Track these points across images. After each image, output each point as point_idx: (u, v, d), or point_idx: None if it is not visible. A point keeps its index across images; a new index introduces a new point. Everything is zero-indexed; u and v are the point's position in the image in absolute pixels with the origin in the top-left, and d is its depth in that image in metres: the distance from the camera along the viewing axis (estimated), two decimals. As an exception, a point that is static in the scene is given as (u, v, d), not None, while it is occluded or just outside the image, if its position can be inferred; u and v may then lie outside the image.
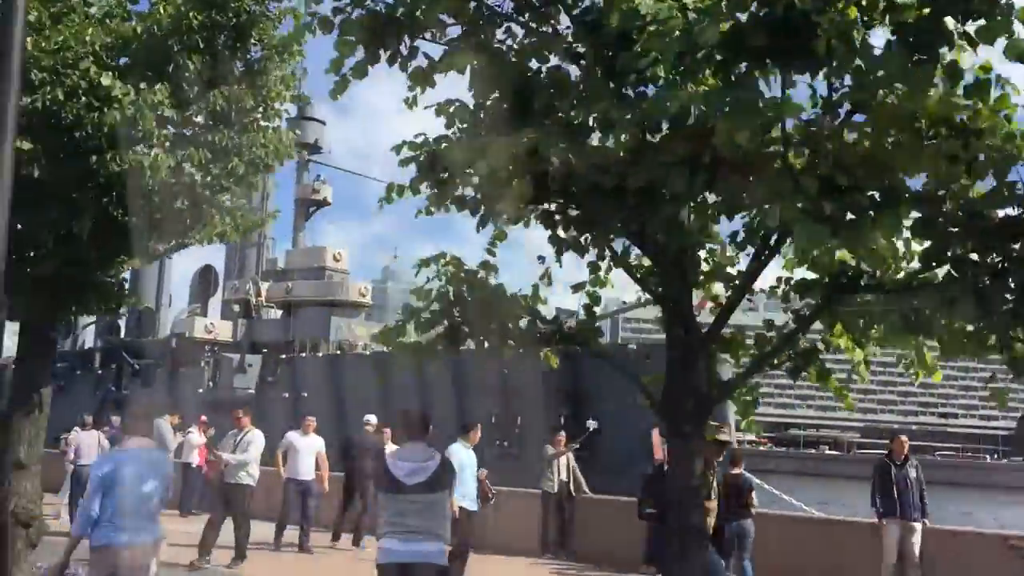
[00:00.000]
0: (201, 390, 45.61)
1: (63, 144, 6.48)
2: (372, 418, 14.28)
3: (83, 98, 6.24)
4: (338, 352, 44.63)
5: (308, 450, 13.28)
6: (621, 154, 4.91)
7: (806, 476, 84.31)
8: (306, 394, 41.88)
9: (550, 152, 4.77)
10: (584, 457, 35.48)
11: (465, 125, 5.52)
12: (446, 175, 5.54)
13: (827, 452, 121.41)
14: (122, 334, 56.32)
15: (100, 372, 51.23)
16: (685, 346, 5.69)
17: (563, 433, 15.91)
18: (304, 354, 44.22)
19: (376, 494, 6.80)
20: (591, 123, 4.92)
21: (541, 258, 6.37)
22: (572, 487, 14.09)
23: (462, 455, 9.78)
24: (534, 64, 5.33)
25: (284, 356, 44.36)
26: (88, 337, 59.34)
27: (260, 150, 6.89)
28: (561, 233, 5.95)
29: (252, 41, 7.00)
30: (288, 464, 13.07)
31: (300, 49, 7.03)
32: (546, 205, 5.71)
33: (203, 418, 16.64)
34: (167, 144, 6.38)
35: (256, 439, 11.87)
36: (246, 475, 11.63)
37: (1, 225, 4.31)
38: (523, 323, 6.29)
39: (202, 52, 6.51)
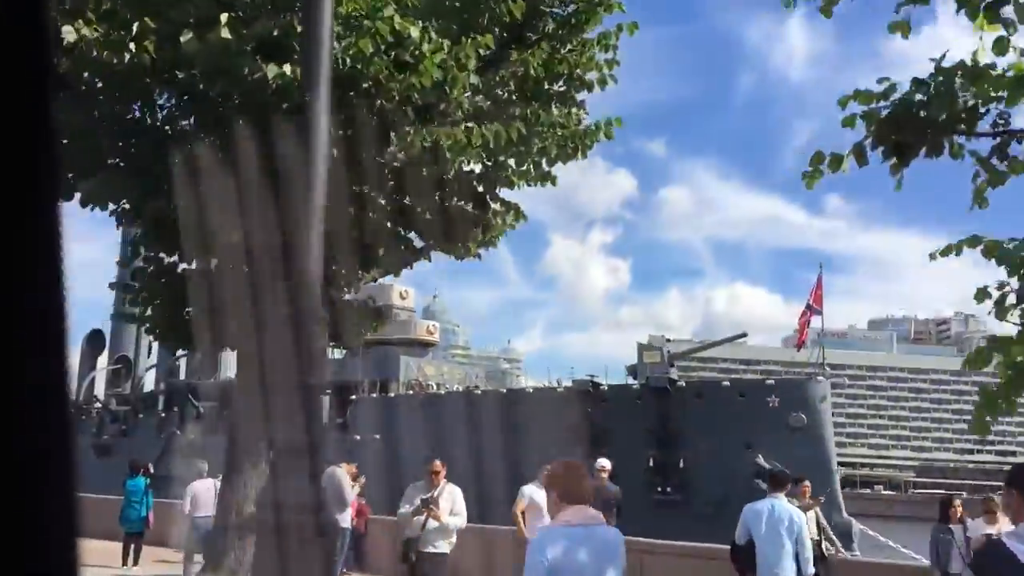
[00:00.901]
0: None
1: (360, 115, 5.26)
2: (606, 463, 12.25)
3: (387, 55, 5.01)
4: (410, 392, 43.37)
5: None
6: None
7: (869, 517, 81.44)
8: (378, 436, 40.63)
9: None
10: (676, 500, 33.55)
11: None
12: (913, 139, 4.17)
13: (883, 492, 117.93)
14: (182, 375, 55.51)
15: (163, 415, 50.28)
16: None
17: (808, 483, 12.08)
18: (375, 395, 42.95)
19: None
20: None
21: None
22: (824, 547, 11.69)
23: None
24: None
25: (354, 397, 43.12)
26: (149, 379, 58.64)
27: (566, 131, 5.59)
28: None
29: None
30: (529, 524, 10.29)
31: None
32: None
33: (353, 466, 15.20)
34: (468, 120, 5.13)
35: (459, 496, 9.55)
36: (445, 543, 9.33)
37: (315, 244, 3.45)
38: None
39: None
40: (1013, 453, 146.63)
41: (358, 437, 41.39)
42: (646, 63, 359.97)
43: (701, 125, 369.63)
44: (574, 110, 5.83)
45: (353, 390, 43.88)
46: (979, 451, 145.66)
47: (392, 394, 42.71)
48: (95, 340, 61.88)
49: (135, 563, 15.18)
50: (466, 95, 5.00)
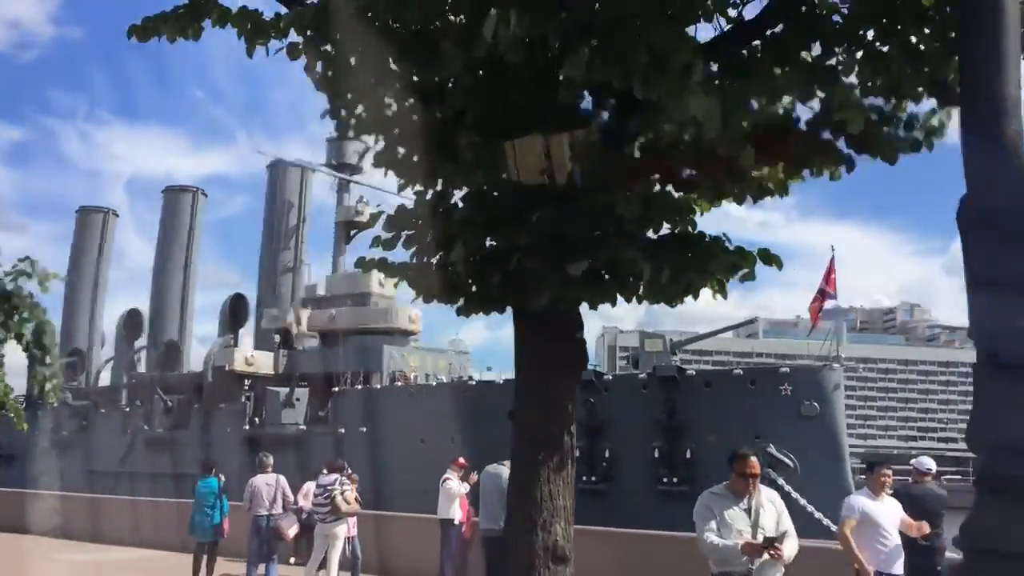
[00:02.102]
0: (246, 427, 42.30)
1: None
2: (930, 464, 9.80)
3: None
4: (398, 383, 41.58)
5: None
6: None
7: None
8: (364, 429, 38.83)
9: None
10: (683, 491, 32.41)
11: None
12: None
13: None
14: (139, 369, 52.80)
15: (127, 410, 47.63)
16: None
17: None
18: (359, 386, 41.04)
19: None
20: None
21: None
22: None
23: None
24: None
25: (336, 389, 41.18)
26: (105, 374, 55.69)
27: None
28: None
29: None
30: (864, 545, 7.83)
31: None
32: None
33: (461, 460, 13.58)
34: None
35: (782, 505, 7.44)
36: None
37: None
38: None
39: None
40: (956, 439, 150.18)
41: (342, 430, 39.53)
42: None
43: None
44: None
45: (335, 381, 41.93)
46: (921, 438, 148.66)
47: (378, 385, 40.83)
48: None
49: None
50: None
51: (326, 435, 39.57)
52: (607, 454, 34.49)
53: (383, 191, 50.88)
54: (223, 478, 13.78)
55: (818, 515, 28.56)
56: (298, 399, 41.44)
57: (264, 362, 44.63)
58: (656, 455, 33.33)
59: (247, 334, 50.18)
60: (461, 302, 5.28)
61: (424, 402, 37.56)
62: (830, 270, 33.51)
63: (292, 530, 12.82)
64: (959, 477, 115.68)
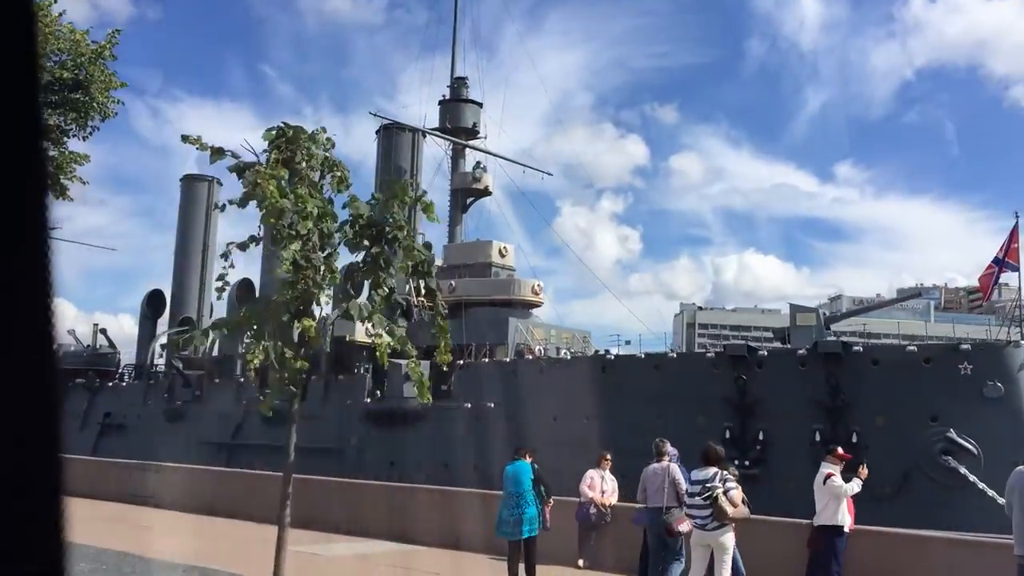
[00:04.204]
0: (368, 400, 41.00)
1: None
2: None
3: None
4: (517, 357, 39.80)
5: None
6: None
7: None
8: (492, 404, 37.12)
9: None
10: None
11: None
12: None
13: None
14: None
15: (241, 380, 46.78)
16: None
17: None
18: (486, 360, 39.32)
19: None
20: None
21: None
22: None
23: None
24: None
25: (460, 362, 39.51)
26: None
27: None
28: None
29: None
30: None
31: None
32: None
33: (840, 451, 11.47)
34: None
35: None
36: None
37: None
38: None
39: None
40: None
41: (468, 405, 37.91)
42: (661, 29, 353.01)
43: (711, 92, 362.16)
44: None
45: (458, 354, 40.27)
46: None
47: (506, 359, 39.02)
48: (155, 301, 58.41)
49: None
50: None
51: (452, 410, 38.03)
52: (760, 436, 32.05)
53: (499, 156, 49.10)
54: (534, 462, 11.85)
55: (991, 493, 25.95)
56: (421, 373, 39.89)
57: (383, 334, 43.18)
58: (817, 438, 30.73)
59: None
60: None
61: (557, 377, 35.68)
62: (1012, 238, 30.48)
63: (683, 526, 10.61)
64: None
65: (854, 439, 30.61)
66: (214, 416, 45.91)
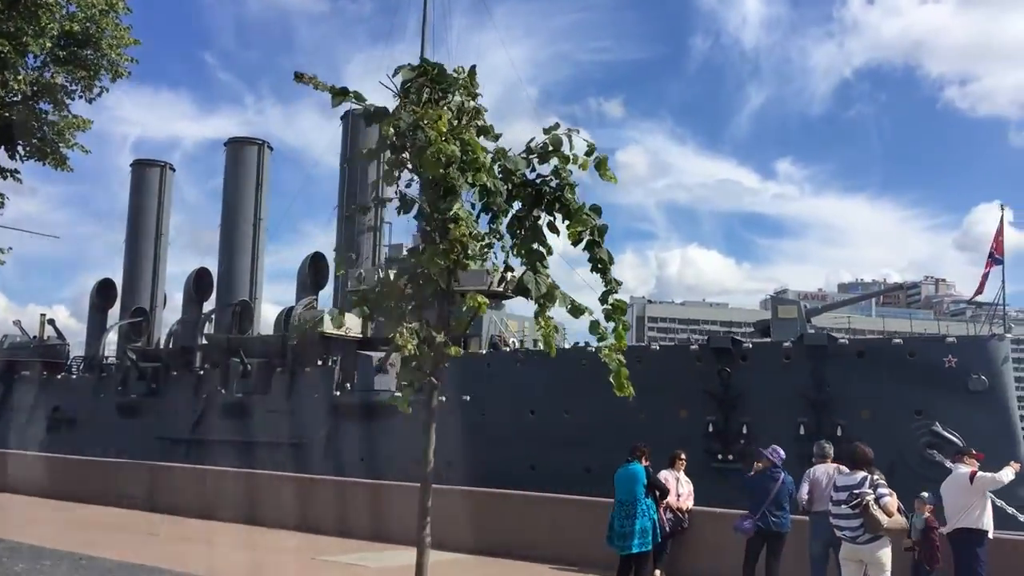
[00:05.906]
0: (336, 393, 39.73)
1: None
2: None
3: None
4: (492, 349, 38.95)
5: None
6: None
7: None
8: (468, 398, 36.12)
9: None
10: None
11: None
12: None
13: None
14: (206, 331, 50.00)
15: (200, 373, 45.07)
16: None
17: None
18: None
19: None
20: None
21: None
22: None
23: None
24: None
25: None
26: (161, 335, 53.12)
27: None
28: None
29: None
30: None
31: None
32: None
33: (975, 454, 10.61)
34: None
35: None
36: None
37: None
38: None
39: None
40: None
41: (443, 398, 36.81)
42: (603, 25, 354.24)
43: (656, 88, 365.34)
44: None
45: (431, 346, 39.24)
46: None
47: (482, 351, 38.12)
48: (105, 291, 56.11)
49: None
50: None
51: (424, 404, 36.94)
52: (744, 430, 31.66)
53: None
54: (648, 465, 10.87)
55: (1000, 503, 25.84)
56: (392, 364, 38.73)
57: (352, 326, 41.88)
58: (801, 431, 30.42)
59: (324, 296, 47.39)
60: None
61: (534, 370, 34.87)
62: (999, 231, 30.56)
63: None
64: None
65: (839, 432, 30.35)
66: (172, 410, 44.13)
